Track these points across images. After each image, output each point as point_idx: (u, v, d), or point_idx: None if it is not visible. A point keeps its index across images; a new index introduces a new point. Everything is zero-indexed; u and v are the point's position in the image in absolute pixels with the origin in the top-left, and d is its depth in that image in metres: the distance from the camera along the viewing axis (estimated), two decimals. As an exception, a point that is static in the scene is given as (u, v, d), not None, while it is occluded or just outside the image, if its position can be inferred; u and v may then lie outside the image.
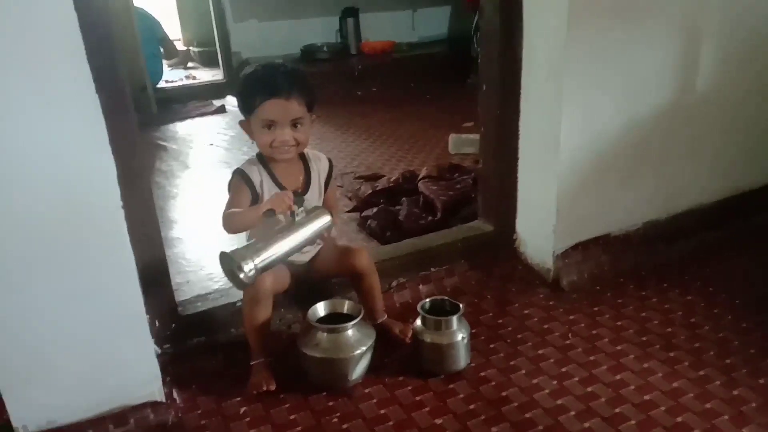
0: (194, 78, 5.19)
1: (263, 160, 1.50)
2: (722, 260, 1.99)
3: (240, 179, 1.48)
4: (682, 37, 1.85)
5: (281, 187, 1.48)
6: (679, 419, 1.33)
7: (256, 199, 1.47)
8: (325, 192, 1.57)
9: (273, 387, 1.43)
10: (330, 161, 1.60)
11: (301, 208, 1.42)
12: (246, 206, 1.46)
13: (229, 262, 1.32)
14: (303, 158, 1.55)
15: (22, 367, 1.24)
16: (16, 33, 1.07)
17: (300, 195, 1.49)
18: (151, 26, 4.54)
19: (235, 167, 1.51)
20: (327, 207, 1.55)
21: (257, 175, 1.48)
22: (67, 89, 1.13)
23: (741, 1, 1.94)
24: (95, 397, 1.32)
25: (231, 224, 1.46)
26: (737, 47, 1.99)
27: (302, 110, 1.44)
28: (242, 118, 1.50)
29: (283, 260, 1.40)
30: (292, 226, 1.40)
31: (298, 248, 1.41)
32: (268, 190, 1.48)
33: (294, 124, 1.43)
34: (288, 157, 1.47)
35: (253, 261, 1.31)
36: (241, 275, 1.32)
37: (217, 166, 3.22)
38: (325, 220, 1.43)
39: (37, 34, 1.08)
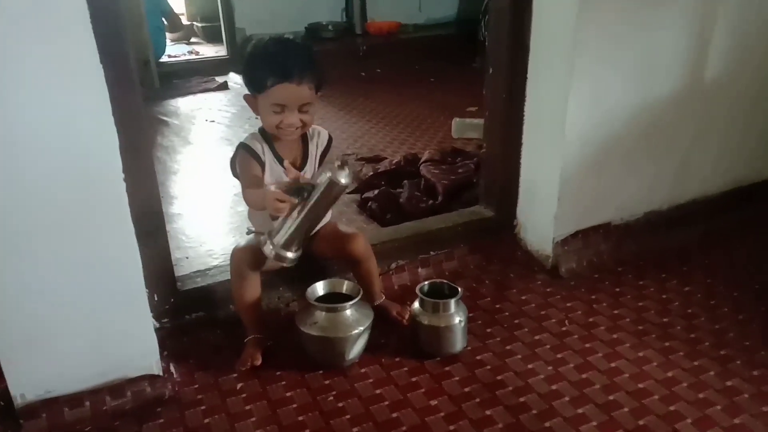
0: (197, 53, 5.13)
1: (266, 135, 1.49)
2: (722, 252, 2.00)
3: (246, 153, 1.47)
4: (695, 21, 1.84)
5: (280, 160, 1.47)
6: (672, 408, 1.34)
7: (262, 168, 1.47)
8: (319, 165, 1.56)
9: (258, 362, 1.45)
10: (330, 136, 1.59)
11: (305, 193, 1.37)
12: (259, 177, 1.46)
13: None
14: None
15: (22, 336, 1.24)
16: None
17: (296, 187, 1.39)
18: (156, -1, 4.49)
19: (239, 142, 1.50)
20: None
21: (259, 146, 1.48)
22: (72, 57, 1.12)
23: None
24: (93, 369, 1.33)
25: (252, 203, 1.48)
26: (750, 35, 1.97)
27: (312, 94, 1.42)
28: (247, 92, 1.47)
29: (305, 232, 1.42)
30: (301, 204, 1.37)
31: (316, 218, 1.43)
32: (269, 163, 1.48)
33: (302, 107, 1.42)
34: (293, 137, 1.47)
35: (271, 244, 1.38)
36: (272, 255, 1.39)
37: (218, 142, 3.21)
38: (325, 180, 1.35)
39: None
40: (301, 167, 1.50)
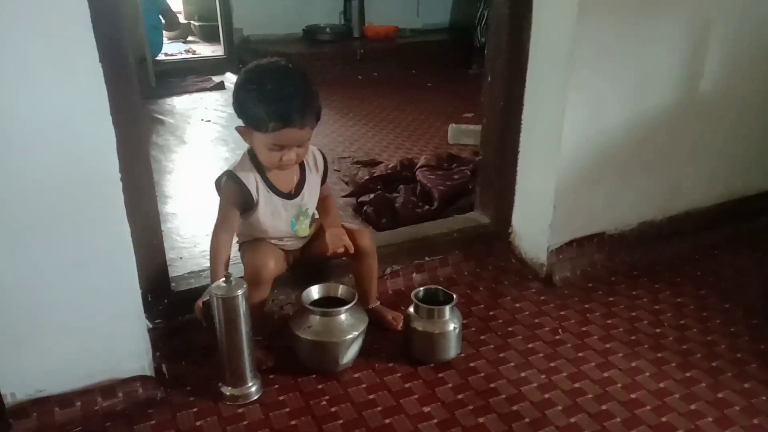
0: (194, 52, 5.13)
1: (258, 162, 1.44)
2: (715, 264, 2.01)
3: (235, 186, 1.42)
4: (691, 35, 1.85)
5: (276, 191, 1.46)
6: (663, 419, 1.34)
7: (251, 206, 1.44)
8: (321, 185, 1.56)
9: (271, 363, 1.46)
10: (324, 157, 1.56)
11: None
12: (237, 217, 1.44)
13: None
14: None
15: (14, 334, 1.23)
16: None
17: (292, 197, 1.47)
18: (154, -3, 4.48)
19: (228, 169, 1.44)
20: (323, 203, 1.56)
21: (253, 182, 1.43)
22: (71, 56, 1.11)
23: (752, 3, 1.94)
24: (85, 368, 1.32)
25: (211, 251, 1.43)
26: (745, 50, 1.98)
27: (311, 133, 1.41)
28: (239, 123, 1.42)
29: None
30: None
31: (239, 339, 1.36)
32: (263, 195, 1.45)
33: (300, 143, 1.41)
34: (288, 169, 1.45)
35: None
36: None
37: (214, 142, 3.20)
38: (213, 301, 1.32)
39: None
40: (297, 191, 1.49)
